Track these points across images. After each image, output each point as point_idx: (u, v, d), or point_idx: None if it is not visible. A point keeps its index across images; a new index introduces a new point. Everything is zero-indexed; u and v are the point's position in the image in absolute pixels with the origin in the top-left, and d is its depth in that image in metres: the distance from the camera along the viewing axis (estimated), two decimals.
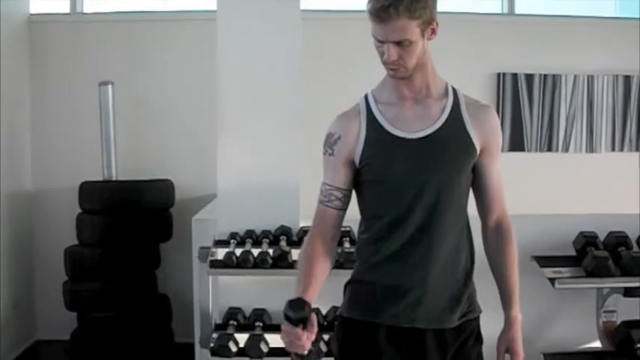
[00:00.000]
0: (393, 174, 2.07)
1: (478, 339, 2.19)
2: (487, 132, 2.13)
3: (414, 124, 2.09)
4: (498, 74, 5.59)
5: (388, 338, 2.11)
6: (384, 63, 2.05)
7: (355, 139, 2.10)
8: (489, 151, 2.15)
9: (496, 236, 2.23)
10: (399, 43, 1.98)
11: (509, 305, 2.22)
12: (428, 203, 2.07)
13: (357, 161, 2.11)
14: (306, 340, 1.88)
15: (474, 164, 2.14)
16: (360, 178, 2.13)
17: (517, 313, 2.21)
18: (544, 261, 3.95)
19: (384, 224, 2.10)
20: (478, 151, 2.12)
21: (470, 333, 2.16)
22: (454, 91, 2.16)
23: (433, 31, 2.04)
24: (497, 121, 2.19)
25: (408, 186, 2.07)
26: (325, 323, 3.73)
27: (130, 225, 4.88)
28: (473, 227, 2.21)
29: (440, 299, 2.11)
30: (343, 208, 2.15)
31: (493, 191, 2.20)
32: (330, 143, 2.14)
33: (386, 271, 2.11)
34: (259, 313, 3.74)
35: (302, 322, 1.89)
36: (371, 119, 2.11)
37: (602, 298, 4.07)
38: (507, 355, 2.19)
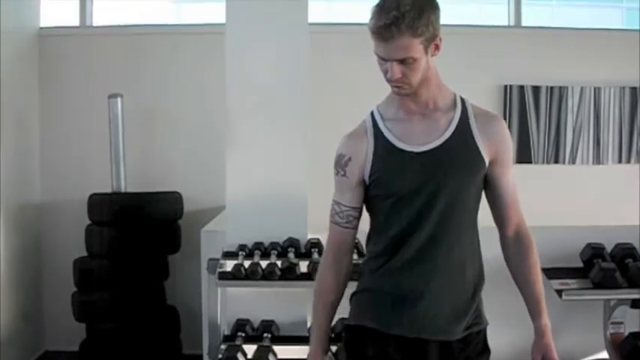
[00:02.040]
0: (401, 188, 2.06)
1: (484, 350, 2.19)
2: (496, 143, 2.13)
3: (421, 138, 2.09)
4: (505, 86, 5.60)
5: (396, 347, 2.11)
6: (388, 81, 2.05)
7: (364, 157, 2.11)
8: (500, 162, 2.15)
9: (516, 244, 2.22)
10: (402, 61, 1.98)
11: (538, 313, 2.19)
12: (436, 216, 2.07)
13: (366, 178, 2.13)
14: None
15: (485, 175, 2.14)
16: (370, 193, 2.14)
17: (547, 320, 2.18)
18: (551, 273, 3.94)
19: (393, 237, 2.11)
20: (487, 163, 2.12)
21: (476, 344, 2.16)
22: (462, 102, 2.15)
23: (437, 47, 2.03)
24: (506, 131, 2.18)
25: (417, 199, 2.07)
26: (333, 335, 3.73)
27: (138, 237, 4.90)
28: (482, 239, 2.20)
29: (446, 311, 2.10)
30: (358, 225, 2.21)
31: (508, 200, 2.19)
32: (342, 165, 2.15)
33: (395, 281, 2.12)
34: (267, 325, 3.75)
35: None
36: (378, 135, 2.12)
37: (609, 310, 4.07)
38: None
